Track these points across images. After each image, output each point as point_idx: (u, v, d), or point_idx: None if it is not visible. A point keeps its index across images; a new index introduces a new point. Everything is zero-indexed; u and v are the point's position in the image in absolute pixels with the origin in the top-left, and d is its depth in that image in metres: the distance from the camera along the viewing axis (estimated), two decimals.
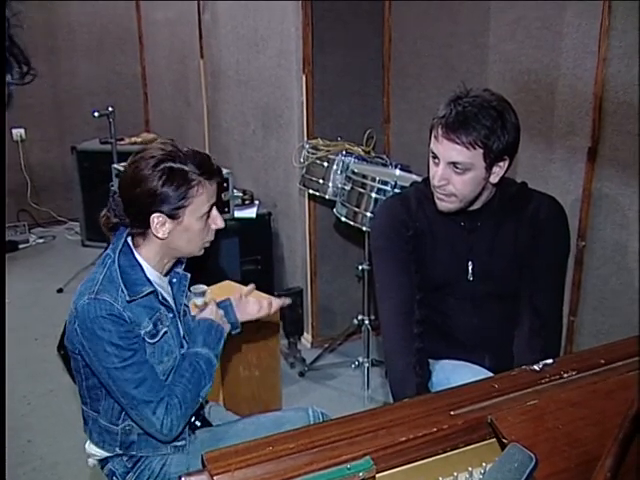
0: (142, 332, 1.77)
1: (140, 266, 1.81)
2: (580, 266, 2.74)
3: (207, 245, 1.88)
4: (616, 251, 2.60)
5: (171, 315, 1.87)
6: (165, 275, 1.93)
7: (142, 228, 1.79)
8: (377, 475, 1.18)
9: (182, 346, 1.92)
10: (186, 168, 1.74)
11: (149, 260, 1.84)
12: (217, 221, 1.85)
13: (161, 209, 1.74)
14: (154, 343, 1.80)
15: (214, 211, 1.84)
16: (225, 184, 3.82)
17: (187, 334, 1.97)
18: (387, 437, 1.22)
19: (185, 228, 1.78)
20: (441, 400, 1.35)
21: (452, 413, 1.30)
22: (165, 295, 1.86)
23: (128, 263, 1.80)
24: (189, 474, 1.12)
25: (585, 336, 2.79)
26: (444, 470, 1.24)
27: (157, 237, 1.78)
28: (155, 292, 1.81)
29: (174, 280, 1.96)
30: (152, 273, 1.85)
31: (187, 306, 2.03)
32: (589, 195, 2.65)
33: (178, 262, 1.97)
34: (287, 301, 2.30)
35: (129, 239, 1.84)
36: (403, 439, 1.22)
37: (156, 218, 1.74)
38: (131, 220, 1.80)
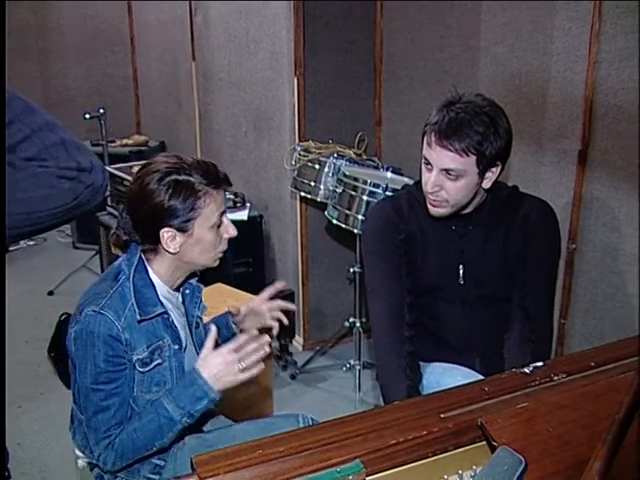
0: (134, 358, 1.73)
1: (153, 285, 1.78)
2: (571, 269, 2.75)
3: (221, 255, 1.84)
4: (606, 254, 2.61)
5: (176, 347, 1.81)
6: (177, 290, 1.89)
7: (153, 244, 1.76)
8: (367, 478, 1.18)
9: None
10: (192, 179, 1.70)
11: (161, 275, 1.80)
12: (229, 230, 1.80)
13: (170, 223, 1.70)
14: (144, 372, 1.75)
15: (225, 220, 1.79)
16: None
17: (199, 347, 1.93)
18: (377, 440, 1.22)
19: (196, 240, 1.74)
20: (431, 403, 1.35)
21: (442, 416, 1.30)
22: (175, 318, 1.83)
23: (142, 282, 1.76)
24: (178, 477, 1.11)
25: (576, 339, 2.79)
26: (434, 473, 1.24)
27: (168, 252, 1.75)
28: (166, 314, 1.78)
29: (187, 291, 1.93)
30: (163, 289, 1.82)
31: (200, 318, 1.98)
32: (580, 198, 2.66)
33: (193, 274, 1.93)
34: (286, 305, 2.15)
35: (142, 255, 1.80)
36: (393, 442, 1.22)
37: (166, 233, 1.71)
38: (141, 236, 1.77)
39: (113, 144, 5.16)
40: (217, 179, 1.76)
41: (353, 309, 3.58)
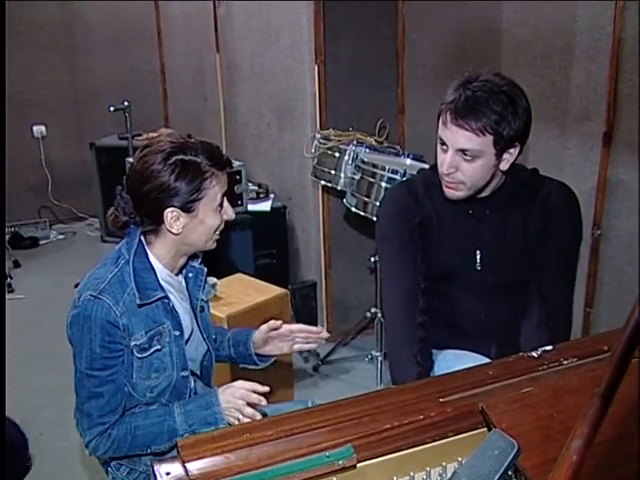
0: (132, 343, 1.70)
1: (153, 269, 1.76)
2: (596, 256, 2.66)
3: (218, 237, 1.82)
4: (633, 239, 2.52)
5: (177, 332, 1.78)
6: (177, 274, 1.87)
7: (155, 225, 1.74)
8: (360, 464, 1.14)
9: (185, 369, 1.82)
10: (198, 160, 1.69)
11: (161, 258, 1.78)
12: (228, 211, 1.79)
13: (175, 203, 1.68)
14: (142, 358, 1.73)
15: (225, 202, 1.78)
16: (238, 176, 3.80)
17: (205, 331, 1.93)
18: (371, 424, 1.18)
19: (200, 221, 1.73)
20: (431, 387, 1.30)
21: (441, 400, 1.25)
22: (176, 303, 1.80)
23: (142, 266, 1.74)
24: (161, 460, 1.08)
25: (601, 327, 2.69)
26: (432, 460, 1.19)
27: (171, 232, 1.72)
28: (166, 298, 1.75)
29: (190, 275, 1.91)
30: (163, 273, 1.79)
31: (206, 301, 1.96)
32: (604, 182, 2.58)
33: (194, 257, 1.91)
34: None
35: (142, 238, 1.78)
36: (387, 427, 1.17)
37: (170, 213, 1.69)
38: (142, 217, 1.74)
39: (139, 137, 5.17)
40: (221, 160, 1.74)
41: (375, 299, 3.52)
